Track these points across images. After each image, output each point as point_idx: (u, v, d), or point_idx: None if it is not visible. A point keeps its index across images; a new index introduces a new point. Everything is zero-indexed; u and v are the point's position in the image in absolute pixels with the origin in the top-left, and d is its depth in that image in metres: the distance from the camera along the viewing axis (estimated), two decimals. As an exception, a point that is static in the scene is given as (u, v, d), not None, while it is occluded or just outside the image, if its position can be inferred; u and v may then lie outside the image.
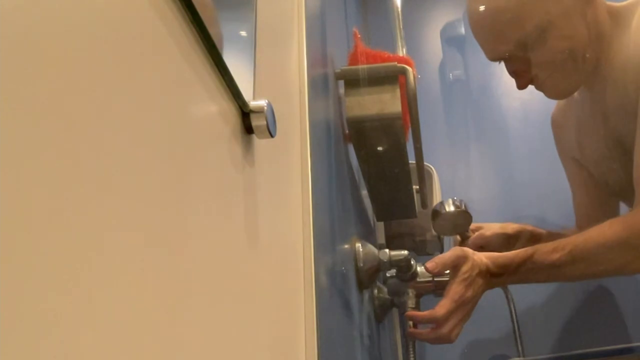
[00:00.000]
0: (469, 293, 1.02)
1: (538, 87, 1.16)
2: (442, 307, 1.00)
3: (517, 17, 1.07)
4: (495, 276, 1.04)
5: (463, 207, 1.21)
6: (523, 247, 1.06)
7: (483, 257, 1.05)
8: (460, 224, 1.22)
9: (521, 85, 1.15)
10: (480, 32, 1.15)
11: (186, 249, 0.33)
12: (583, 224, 1.31)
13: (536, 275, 1.05)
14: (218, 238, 0.38)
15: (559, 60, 1.09)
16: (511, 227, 1.30)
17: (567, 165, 1.37)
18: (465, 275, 1.02)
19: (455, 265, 1.03)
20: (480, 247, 1.23)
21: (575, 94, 1.21)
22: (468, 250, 1.05)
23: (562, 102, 1.32)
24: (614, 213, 1.30)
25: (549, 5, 1.06)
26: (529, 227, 1.30)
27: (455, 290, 1.01)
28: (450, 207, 1.20)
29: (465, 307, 1.02)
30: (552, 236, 1.22)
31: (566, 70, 1.11)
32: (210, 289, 0.35)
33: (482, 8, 1.11)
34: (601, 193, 1.31)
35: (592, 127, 1.19)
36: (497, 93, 1.74)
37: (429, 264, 1.04)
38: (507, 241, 1.27)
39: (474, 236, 1.28)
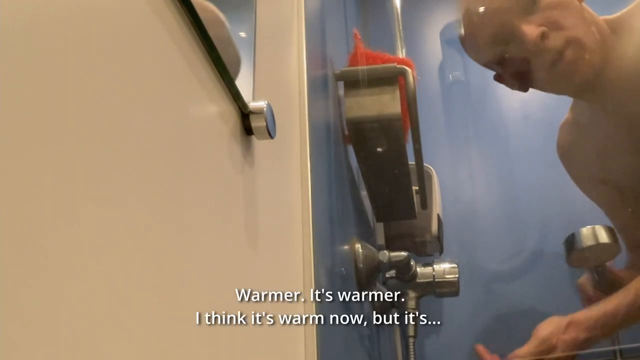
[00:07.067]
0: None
1: (536, 85, 1.13)
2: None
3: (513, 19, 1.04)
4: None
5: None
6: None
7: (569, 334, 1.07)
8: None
9: (523, 87, 1.13)
10: (479, 32, 1.12)
11: (186, 249, 0.33)
12: (633, 243, 1.24)
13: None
14: (218, 239, 0.38)
15: (557, 57, 1.05)
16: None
17: (592, 188, 1.28)
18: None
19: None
20: None
21: (581, 113, 1.17)
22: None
23: (566, 128, 1.26)
24: None
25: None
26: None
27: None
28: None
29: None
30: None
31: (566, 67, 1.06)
32: (209, 289, 0.35)
33: (482, 9, 1.10)
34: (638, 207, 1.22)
35: (615, 139, 1.13)
36: (496, 94, 1.73)
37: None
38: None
39: None
